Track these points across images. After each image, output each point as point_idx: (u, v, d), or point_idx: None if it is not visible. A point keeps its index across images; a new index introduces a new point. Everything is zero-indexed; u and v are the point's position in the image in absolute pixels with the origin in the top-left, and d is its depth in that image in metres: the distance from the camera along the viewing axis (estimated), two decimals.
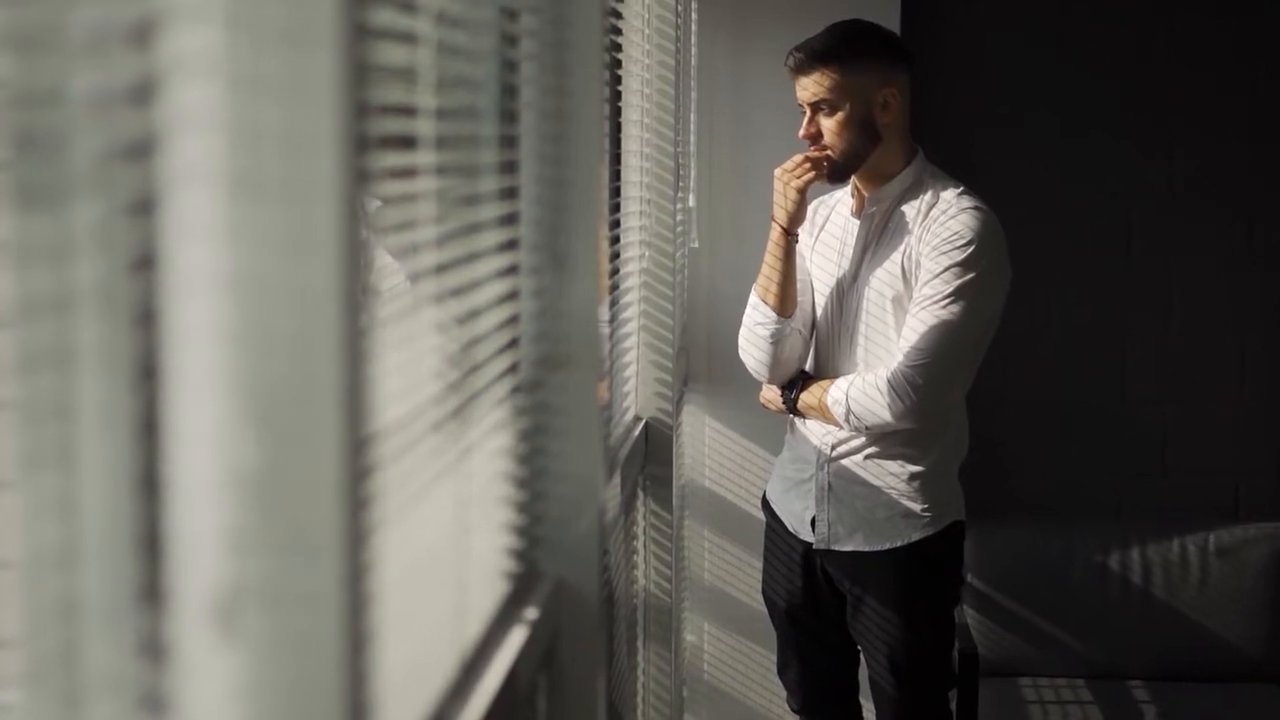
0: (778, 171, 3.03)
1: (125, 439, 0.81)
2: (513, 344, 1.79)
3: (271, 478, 0.84)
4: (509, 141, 1.77)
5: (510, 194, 1.78)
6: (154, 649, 0.83)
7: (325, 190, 0.82)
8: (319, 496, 0.85)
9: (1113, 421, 4.30)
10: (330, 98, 0.82)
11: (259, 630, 0.86)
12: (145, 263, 0.82)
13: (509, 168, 1.78)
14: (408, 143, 1.38)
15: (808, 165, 2.98)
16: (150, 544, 0.83)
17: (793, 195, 3.00)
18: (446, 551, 1.49)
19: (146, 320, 0.82)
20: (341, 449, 0.85)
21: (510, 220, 1.78)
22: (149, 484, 0.83)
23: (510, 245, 1.78)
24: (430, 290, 1.54)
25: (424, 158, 1.43)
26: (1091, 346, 4.29)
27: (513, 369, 1.79)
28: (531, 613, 1.75)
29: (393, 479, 1.22)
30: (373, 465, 0.96)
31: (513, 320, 1.79)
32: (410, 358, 1.47)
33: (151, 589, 0.83)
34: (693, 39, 3.79)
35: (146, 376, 0.82)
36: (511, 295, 1.78)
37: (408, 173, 1.40)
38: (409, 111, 1.36)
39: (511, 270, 1.78)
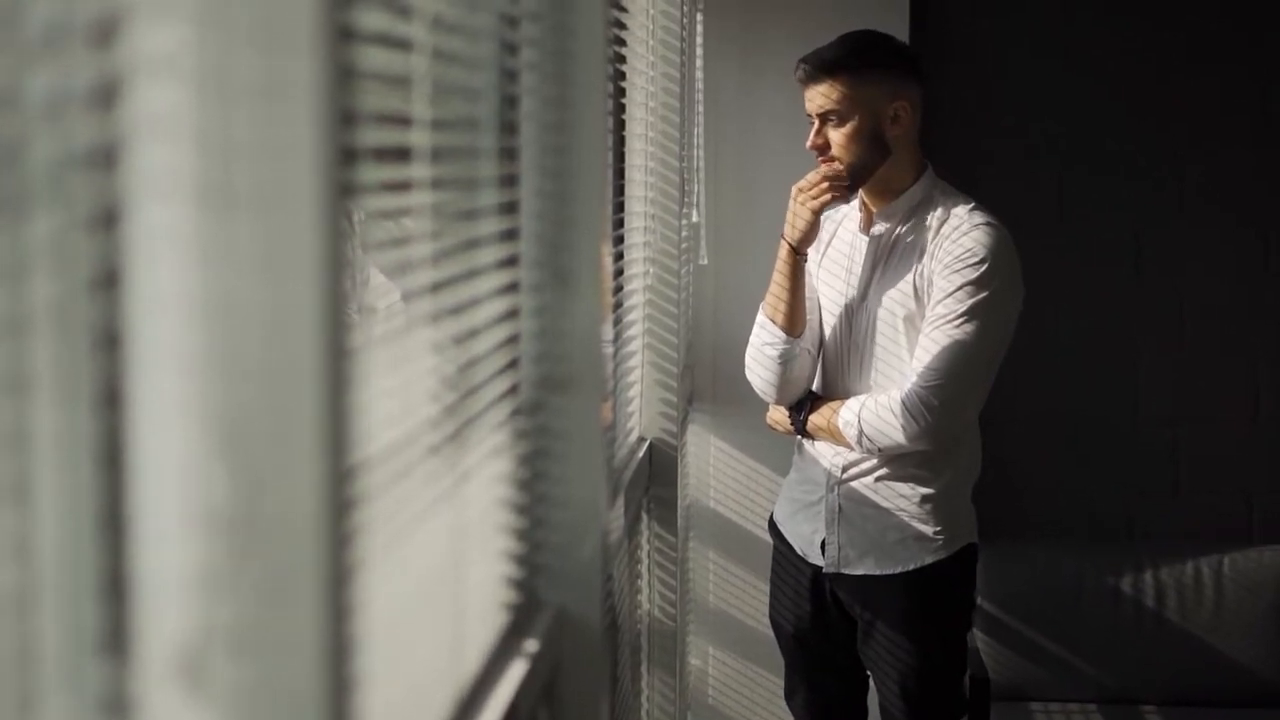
0: (795, 188, 2.98)
1: (85, 472, 0.74)
2: (512, 365, 1.73)
3: (244, 514, 0.78)
4: (509, 154, 1.72)
5: (510, 208, 1.73)
6: (116, 703, 0.76)
7: (303, 203, 0.75)
8: (296, 534, 0.78)
9: (1123, 440, 4.26)
10: (309, 103, 0.76)
11: (230, 682, 0.78)
12: (107, 281, 0.75)
13: (509, 181, 1.72)
14: (402, 154, 1.31)
15: (826, 186, 2.93)
16: (112, 587, 0.76)
17: (807, 215, 2.95)
18: (442, 583, 1.42)
19: (108, 343, 0.75)
20: (321, 482, 0.78)
21: (510, 236, 1.73)
22: (111, 521, 0.76)
23: (510, 262, 1.72)
24: (426, 309, 1.48)
25: (419, 170, 1.37)
26: (1101, 363, 4.26)
27: (512, 391, 1.73)
28: (532, 645, 1.69)
29: (384, 509, 1.15)
30: (356, 498, 0.89)
31: (513, 340, 1.74)
32: (404, 380, 1.41)
33: (114, 637, 0.76)
34: (698, 50, 3.76)
35: (108, 404, 0.75)
36: (511, 314, 1.73)
37: (402, 186, 1.34)
38: (403, 121, 1.30)
39: (511, 288, 1.73)
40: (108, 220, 0.75)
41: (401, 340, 1.49)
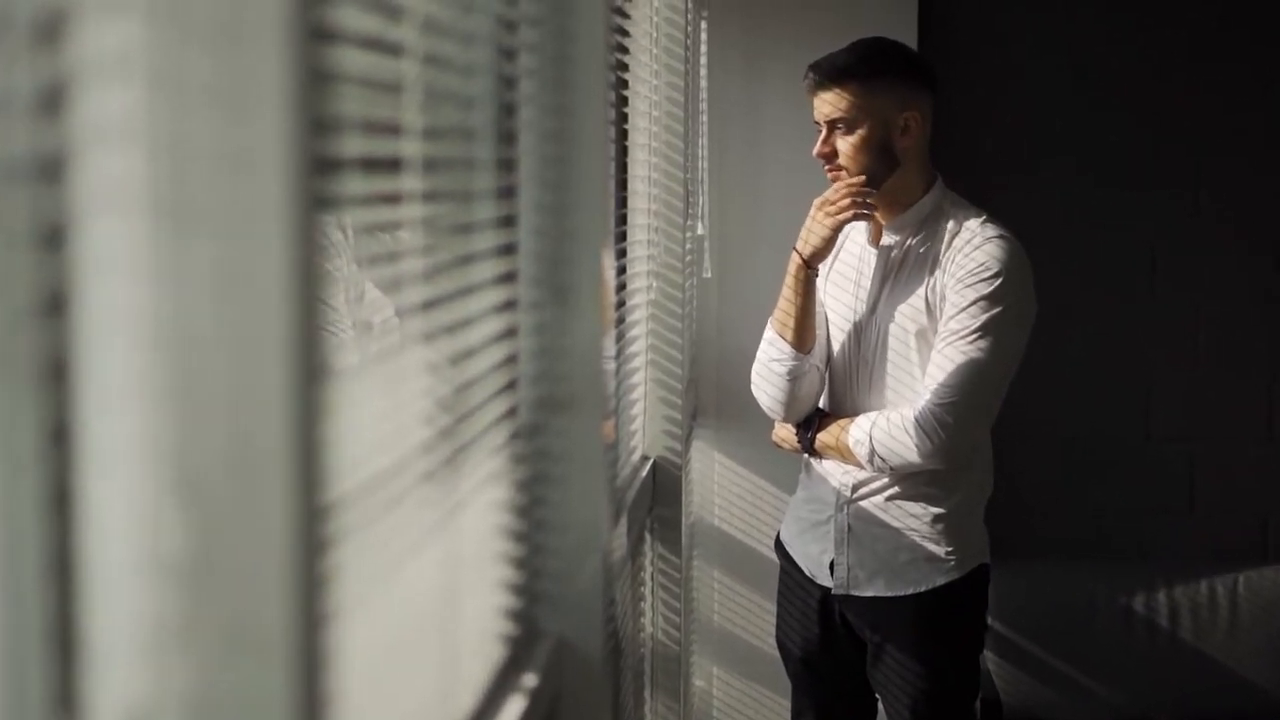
0: (817, 201, 2.92)
1: (27, 517, 0.67)
2: (510, 386, 1.67)
3: (204, 561, 0.70)
4: (506, 164, 1.65)
5: (508, 222, 1.66)
6: None
7: (270, 219, 0.68)
8: (261, 584, 0.70)
9: (1137, 458, 4.22)
10: (278, 108, 0.68)
11: None
12: (51, 305, 0.67)
13: (507, 193, 1.66)
14: (391, 165, 1.24)
15: (849, 202, 2.87)
16: (58, 644, 0.68)
17: (825, 230, 2.90)
18: (434, 620, 1.35)
19: (53, 375, 0.67)
20: (289, 526, 0.70)
21: (508, 250, 1.67)
22: (56, 571, 0.68)
23: (508, 278, 1.66)
24: (420, 328, 1.41)
25: (410, 182, 1.29)
26: (1114, 379, 4.21)
27: (511, 413, 1.67)
28: (530, 679, 1.62)
29: (370, 543, 1.08)
30: (331, 539, 0.81)
31: (511, 360, 1.67)
32: (396, 403, 1.34)
33: (59, 699, 0.68)
34: (702, 59, 3.73)
35: (55, 441, 0.68)
36: (509, 332, 1.66)
37: (391, 198, 1.27)
38: (391, 129, 1.23)
39: (509, 305, 1.66)
40: (52, 238, 0.67)
41: (393, 360, 1.42)
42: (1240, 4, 4.15)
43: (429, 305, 1.42)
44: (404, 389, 1.37)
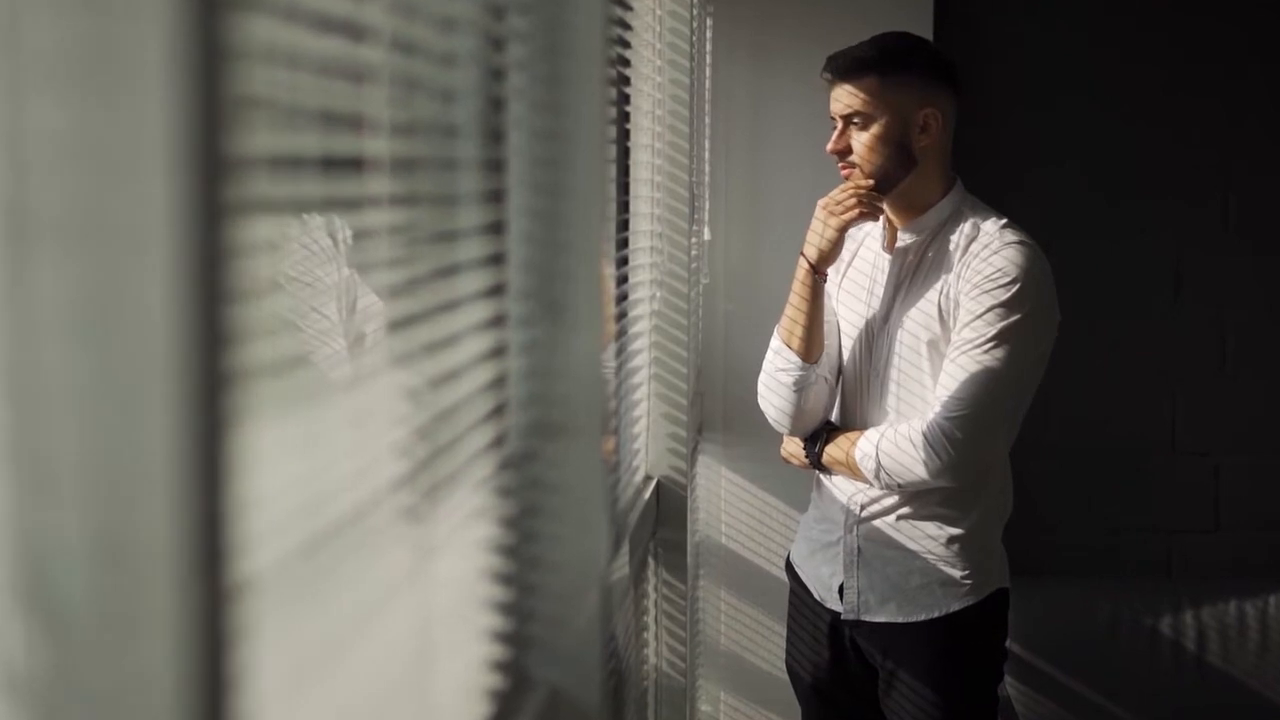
0: (821, 202, 2.84)
1: None
2: (499, 411, 1.52)
3: (62, 683, 0.53)
4: (494, 165, 1.51)
5: (495, 229, 1.52)
6: None
7: (150, 233, 0.52)
8: (140, 712, 0.54)
9: (1161, 472, 4.15)
10: (161, 86, 0.52)
11: None
12: None
13: (494, 197, 1.51)
14: (354, 164, 1.08)
15: (855, 202, 2.79)
16: None
17: (831, 232, 2.82)
18: (405, 683, 1.19)
19: None
20: (175, 630, 0.54)
21: (496, 261, 1.52)
22: None
23: (495, 291, 1.52)
24: (395, 347, 1.27)
25: (379, 184, 1.14)
26: (1138, 391, 4.14)
27: (499, 441, 1.52)
28: None
29: (317, 608, 0.92)
30: (236, 634, 0.64)
31: (499, 382, 1.53)
32: (366, 434, 1.18)
33: None
34: (708, 59, 3.65)
35: None
36: (497, 351, 1.52)
37: (354, 203, 1.11)
38: (353, 123, 1.07)
39: (497, 322, 1.52)
40: None
41: (362, 385, 1.27)
42: (1271, 8, 4.10)
43: (406, 322, 1.28)
44: (374, 418, 1.22)
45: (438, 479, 1.30)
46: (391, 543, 1.18)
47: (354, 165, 1.09)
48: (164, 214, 0.53)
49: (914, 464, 2.74)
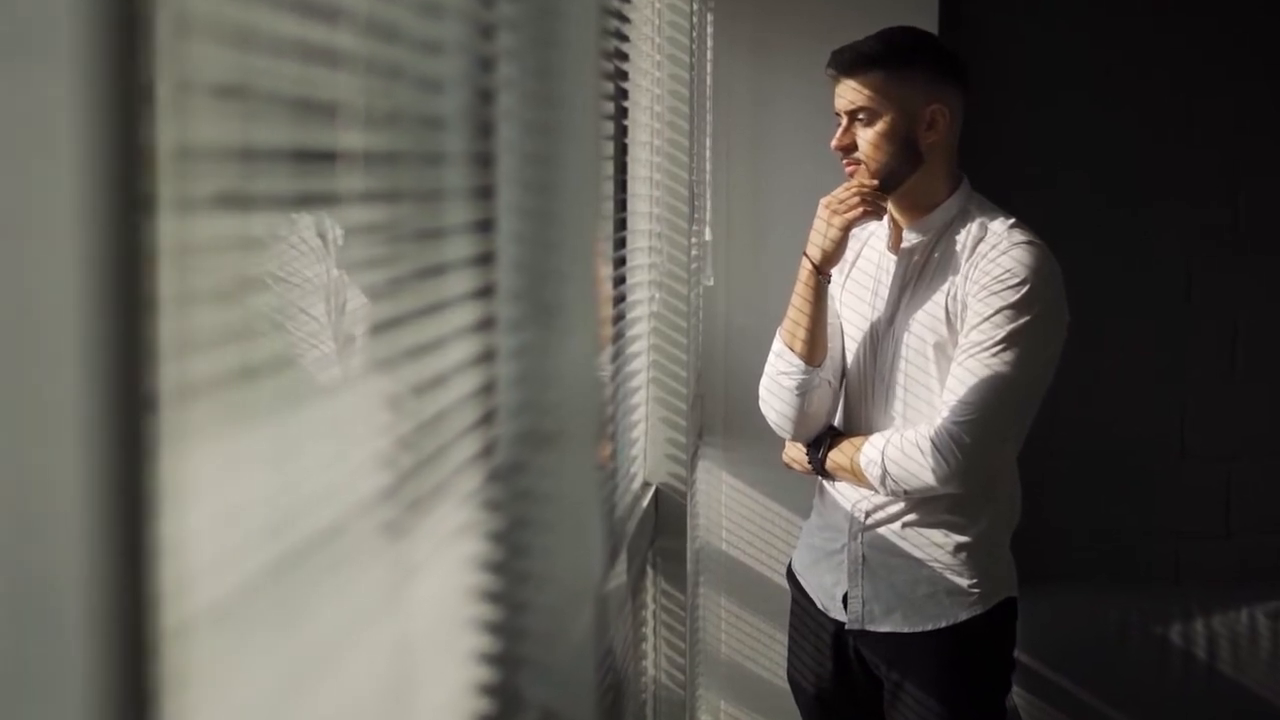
0: (823, 201, 2.80)
1: None
2: (487, 419, 1.45)
3: None
4: (482, 160, 1.44)
5: (484, 227, 1.46)
6: None
7: (57, 230, 0.44)
8: None
9: (1171, 478, 4.17)
10: (71, 64, 0.45)
11: None
12: None
13: (482, 194, 1.45)
14: (326, 157, 1.01)
15: (858, 200, 2.76)
16: None
17: (834, 232, 2.78)
18: (382, 717, 1.11)
19: None
20: (95, 685, 0.46)
21: (484, 261, 1.45)
22: None
23: (484, 293, 1.45)
24: (377, 352, 1.22)
25: (353, 180, 1.07)
26: (1148, 395, 4.15)
27: (487, 451, 1.45)
28: None
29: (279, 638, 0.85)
30: (167, 687, 0.57)
31: (488, 388, 1.46)
32: (343, 446, 1.12)
33: None
34: (709, 54, 3.61)
35: None
36: (486, 356, 1.45)
37: (325, 199, 1.04)
38: (326, 111, 1.00)
39: (486, 325, 1.46)
40: None
41: (342, 392, 1.20)
42: (1277, 8, 4.11)
43: (388, 325, 1.22)
44: (353, 427, 1.16)
45: (421, 492, 1.24)
46: (369, 562, 1.12)
47: (327, 159, 1.03)
48: (73, 210, 0.46)
49: (922, 470, 2.71)
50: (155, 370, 0.52)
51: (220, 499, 0.81)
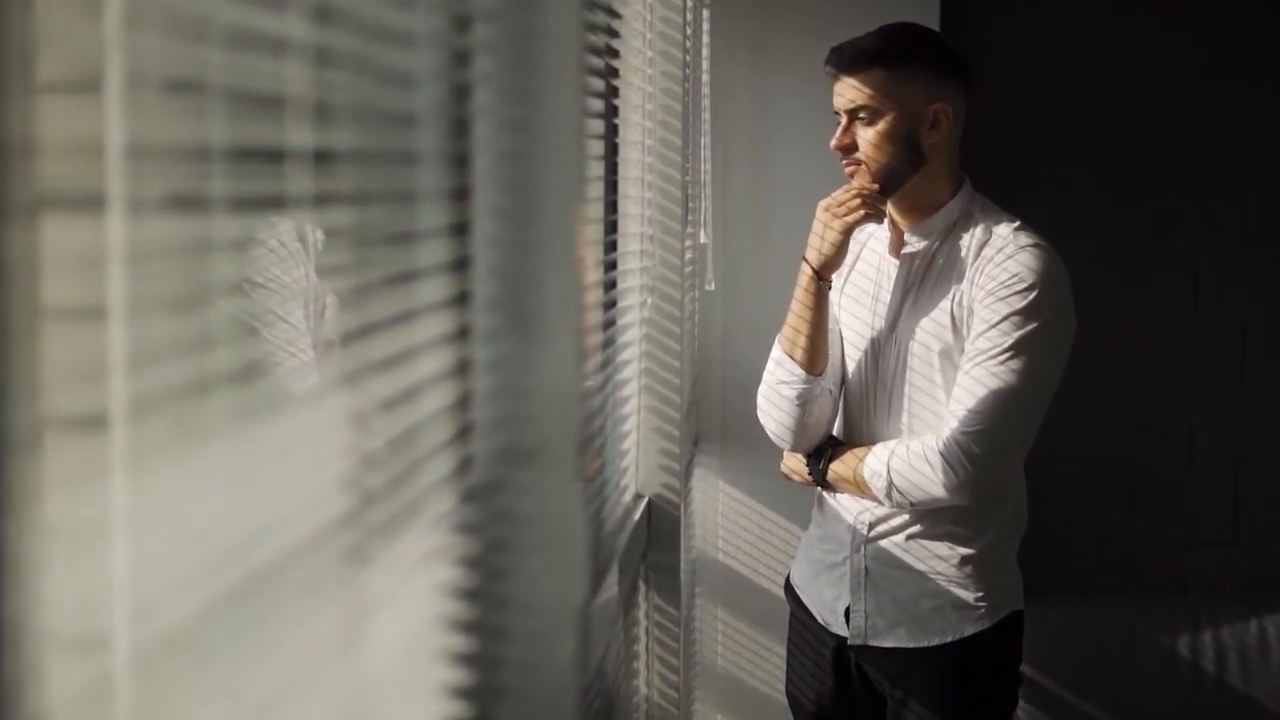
0: (822, 204, 2.77)
1: None
2: (462, 435, 1.40)
3: None
4: (457, 159, 1.39)
5: (458, 231, 1.40)
6: None
7: None
8: None
9: (1178, 486, 4.13)
10: None
11: None
12: None
13: (457, 195, 1.40)
14: (273, 156, 0.94)
15: (858, 202, 2.72)
16: None
17: (834, 236, 2.75)
18: None
19: None
20: None
21: (459, 267, 1.40)
22: None
23: (459, 301, 1.40)
24: (342, 364, 1.15)
25: (300, 182, 0.99)
26: (1154, 401, 4.12)
27: (462, 469, 1.39)
28: None
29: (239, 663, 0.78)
30: None
31: (463, 402, 1.40)
32: (302, 466, 1.05)
33: None
34: (705, 51, 3.57)
35: None
36: (461, 368, 1.40)
37: (274, 201, 0.97)
38: (274, 103, 0.92)
39: (461, 335, 1.40)
40: None
41: (303, 408, 1.13)
42: None
43: (354, 335, 1.15)
44: (313, 445, 1.08)
45: (390, 514, 1.17)
46: (329, 592, 1.04)
47: (282, 158, 0.95)
48: None
49: (929, 482, 2.68)
50: (17, 406, 0.44)
51: (168, 524, 0.75)
